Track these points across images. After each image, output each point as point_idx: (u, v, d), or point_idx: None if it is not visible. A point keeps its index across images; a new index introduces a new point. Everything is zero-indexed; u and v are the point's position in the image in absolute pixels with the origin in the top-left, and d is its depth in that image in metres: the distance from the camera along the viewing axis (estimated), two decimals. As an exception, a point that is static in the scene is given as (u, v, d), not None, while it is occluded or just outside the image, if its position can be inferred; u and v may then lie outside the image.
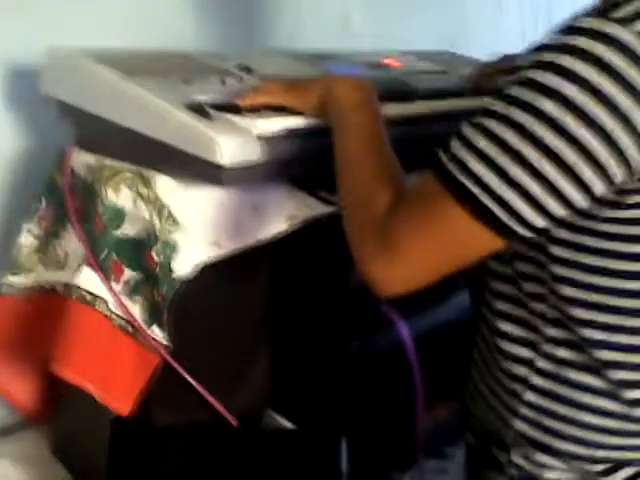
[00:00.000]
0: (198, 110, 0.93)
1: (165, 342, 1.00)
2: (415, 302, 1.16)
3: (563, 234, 0.80)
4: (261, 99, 0.99)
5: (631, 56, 0.69)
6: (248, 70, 1.13)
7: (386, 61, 1.38)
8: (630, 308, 0.81)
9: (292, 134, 0.96)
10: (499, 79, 1.16)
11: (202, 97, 0.98)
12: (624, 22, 0.70)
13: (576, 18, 0.73)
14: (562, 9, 0.78)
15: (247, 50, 1.34)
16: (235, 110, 0.96)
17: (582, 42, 0.70)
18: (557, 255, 0.82)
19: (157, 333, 1.01)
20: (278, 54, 1.30)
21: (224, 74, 1.09)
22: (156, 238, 0.98)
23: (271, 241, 1.03)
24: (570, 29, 0.73)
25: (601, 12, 0.72)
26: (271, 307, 1.13)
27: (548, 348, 0.86)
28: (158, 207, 0.98)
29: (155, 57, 1.11)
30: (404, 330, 1.09)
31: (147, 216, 0.98)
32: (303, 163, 0.99)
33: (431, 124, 1.15)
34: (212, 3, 1.47)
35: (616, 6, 0.71)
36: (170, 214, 0.98)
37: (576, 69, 0.70)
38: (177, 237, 0.97)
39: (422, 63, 1.49)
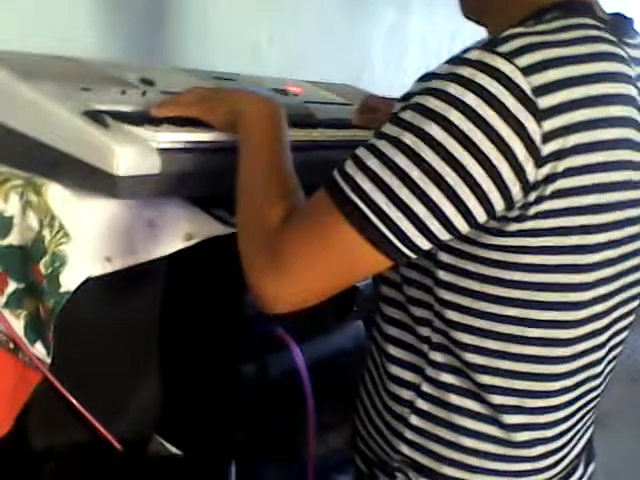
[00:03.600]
0: (96, 118, 0.91)
1: (48, 359, 0.95)
2: (311, 327, 1.15)
3: (448, 259, 0.82)
4: (174, 110, 0.98)
5: (513, 87, 0.72)
6: (150, 83, 1.11)
7: (290, 88, 1.38)
8: (511, 334, 0.83)
9: (194, 149, 0.95)
10: (383, 111, 1.20)
11: (101, 106, 0.95)
12: (508, 55, 0.73)
13: (465, 51, 0.76)
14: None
15: (149, 65, 1.31)
16: (135, 121, 0.93)
17: (467, 72, 0.73)
18: (442, 279, 0.83)
19: (40, 349, 0.96)
20: (181, 71, 1.28)
21: (125, 85, 1.07)
22: (45, 250, 0.93)
23: (165, 258, 1.00)
24: (458, 60, 0.76)
25: (488, 46, 0.75)
26: (161, 326, 1.10)
27: (432, 372, 0.87)
28: (48, 217, 0.94)
29: (53, 62, 1.08)
30: (298, 355, 1.08)
31: (36, 226, 0.94)
32: (203, 180, 0.97)
33: (330, 151, 1.15)
34: (117, 14, 1.44)
35: (502, 42, 0.74)
36: (61, 225, 0.93)
37: (461, 97, 0.73)
38: (67, 250, 0.93)
39: (326, 93, 1.50)
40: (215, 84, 1.23)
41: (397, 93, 1.29)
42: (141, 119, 0.94)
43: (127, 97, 1.03)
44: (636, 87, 0.83)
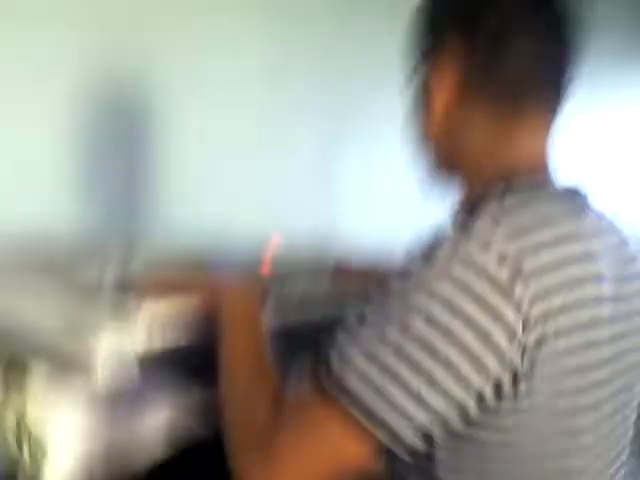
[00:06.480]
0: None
1: None
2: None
3: (441, 453, 0.79)
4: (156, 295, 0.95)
5: (488, 277, 0.72)
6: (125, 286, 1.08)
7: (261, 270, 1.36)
8: None
9: (172, 354, 0.92)
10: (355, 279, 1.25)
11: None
12: (483, 245, 0.73)
13: (438, 234, 0.77)
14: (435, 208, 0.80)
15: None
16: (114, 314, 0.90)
17: (444, 261, 0.73)
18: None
19: None
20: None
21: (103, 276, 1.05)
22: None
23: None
24: (436, 243, 0.76)
25: (463, 232, 0.75)
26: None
27: None
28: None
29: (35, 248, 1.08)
30: None
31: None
32: (183, 385, 0.95)
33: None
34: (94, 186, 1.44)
35: (477, 229, 0.75)
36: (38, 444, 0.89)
37: (439, 290, 0.73)
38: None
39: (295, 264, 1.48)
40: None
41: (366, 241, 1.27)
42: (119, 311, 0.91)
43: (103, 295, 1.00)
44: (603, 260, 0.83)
